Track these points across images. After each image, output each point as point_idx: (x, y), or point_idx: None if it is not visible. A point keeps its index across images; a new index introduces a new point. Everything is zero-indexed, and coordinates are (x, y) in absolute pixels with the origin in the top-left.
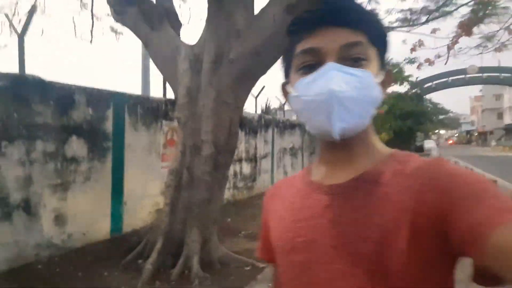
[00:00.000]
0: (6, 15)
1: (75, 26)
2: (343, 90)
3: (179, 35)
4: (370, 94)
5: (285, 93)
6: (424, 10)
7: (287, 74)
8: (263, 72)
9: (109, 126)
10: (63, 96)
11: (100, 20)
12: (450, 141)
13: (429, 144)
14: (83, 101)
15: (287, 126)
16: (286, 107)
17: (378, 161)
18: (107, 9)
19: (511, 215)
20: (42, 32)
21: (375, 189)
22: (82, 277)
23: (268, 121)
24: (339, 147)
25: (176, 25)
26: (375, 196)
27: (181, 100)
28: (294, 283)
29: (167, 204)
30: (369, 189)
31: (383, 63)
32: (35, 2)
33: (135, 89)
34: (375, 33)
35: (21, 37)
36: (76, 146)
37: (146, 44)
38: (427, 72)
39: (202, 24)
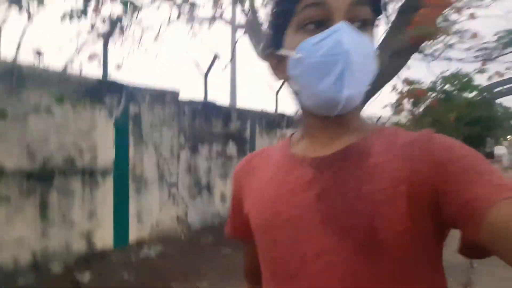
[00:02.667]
0: (194, 61)
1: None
2: (356, 53)
3: None
4: (372, 65)
5: (273, 62)
6: (498, 47)
7: (277, 41)
8: (374, 94)
9: (247, 134)
10: (225, 114)
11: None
12: None
13: (499, 150)
14: (235, 116)
15: None
16: None
17: (366, 134)
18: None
19: (510, 192)
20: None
21: (364, 160)
22: None
23: None
24: (330, 123)
25: None
26: (365, 166)
27: None
28: (278, 261)
29: None
30: (358, 160)
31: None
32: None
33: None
34: (375, 3)
35: (205, 75)
36: (231, 148)
37: None
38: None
39: None
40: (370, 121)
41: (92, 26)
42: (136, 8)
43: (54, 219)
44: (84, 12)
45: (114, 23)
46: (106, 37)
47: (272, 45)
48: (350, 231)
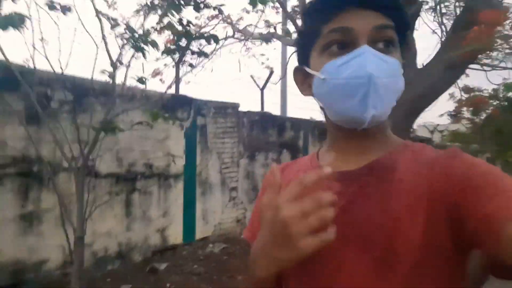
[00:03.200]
0: (252, 76)
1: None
2: (379, 76)
3: None
4: (397, 84)
5: (300, 78)
6: None
7: (304, 58)
8: (425, 108)
9: (300, 143)
10: (280, 124)
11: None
12: None
13: None
14: (289, 126)
15: None
16: None
17: (392, 150)
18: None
19: None
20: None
21: (389, 176)
22: None
23: None
24: (357, 136)
25: None
26: (389, 182)
27: None
28: (300, 271)
29: None
30: (382, 176)
31: (402, 55)
32: (271, 70)
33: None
34: (400, 22)
35: (262, 90)
36: (285, 156)
37: None
38: None
39: None
40: (396, 137)
41: (180, 58)
42: (216, 40)
43: (136, 215)
44: (177, 49)
45: (185, 50)
46: (178, 62)
47: (299, 62)
48: (370, 245)
